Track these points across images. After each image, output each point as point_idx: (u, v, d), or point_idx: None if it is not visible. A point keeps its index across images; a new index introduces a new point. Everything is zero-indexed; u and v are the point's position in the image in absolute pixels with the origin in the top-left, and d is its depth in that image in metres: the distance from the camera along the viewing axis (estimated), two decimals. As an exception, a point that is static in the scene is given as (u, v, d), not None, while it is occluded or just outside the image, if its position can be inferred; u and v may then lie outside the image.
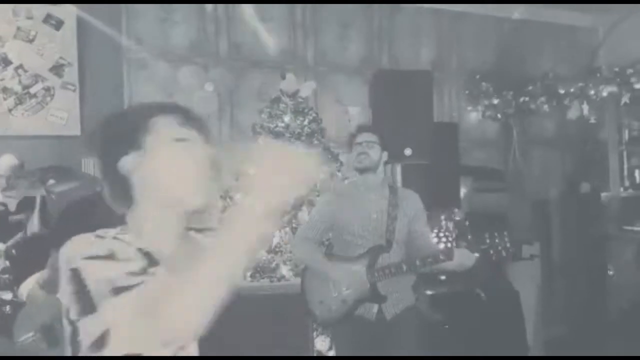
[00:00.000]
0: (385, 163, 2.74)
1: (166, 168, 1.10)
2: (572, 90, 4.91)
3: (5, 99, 3.85)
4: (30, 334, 2.24)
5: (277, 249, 3.58)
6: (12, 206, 3.19)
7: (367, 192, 2.66)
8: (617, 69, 4.89)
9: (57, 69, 3.98)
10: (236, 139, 4.08)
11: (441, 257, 2.47)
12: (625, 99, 4.98)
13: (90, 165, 3.48)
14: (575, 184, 4.98)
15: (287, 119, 3.82)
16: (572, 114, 4.97)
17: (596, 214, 4.73)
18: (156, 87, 3.80)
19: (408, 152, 4.01)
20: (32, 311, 2.33)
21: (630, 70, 4.87)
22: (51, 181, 3.27)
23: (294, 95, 3.88)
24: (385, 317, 2.56)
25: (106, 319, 1.02)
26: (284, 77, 3.84)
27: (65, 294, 1.07)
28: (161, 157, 1.10)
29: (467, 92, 4.86)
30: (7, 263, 2.97)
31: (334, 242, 2.71)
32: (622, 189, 4.86)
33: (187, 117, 1.13)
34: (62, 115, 3.96)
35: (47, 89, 3.96)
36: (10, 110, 3.87)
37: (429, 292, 3.74)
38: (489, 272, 3.93)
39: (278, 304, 3.17)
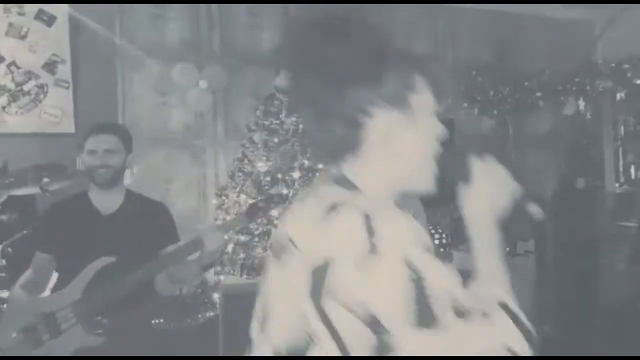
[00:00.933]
0: None
1: None
2: (568, 86, 4.90)
3: (-4, 97, 3.83)
4: (13, 335, 2.23)
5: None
6: None
7: None
8: (613, 64, 4.88)
9: (50, 66, 3.95)
10: (231, 136, 4.07)
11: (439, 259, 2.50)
12: (621, 94, 4.97)
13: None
14: (571, 180, 4.98)
15: (281, 115, 3.81)
16: (568, 110, 4.96)
17: (591, 210, 4.74)
18: (150, 85, 3.78)
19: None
20: (14, 313, 2.31)
21: (626, 66, 4.86)
22: (45, 179, 3.25)
23: (287, 91, 3.86)
24: None
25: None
26: (277, 73, 3.82)
27: None
28: None
29: (462, 88, 4.85)
30: (4, 261, 2.96)
31: None
32: (617, 185, 4.86)
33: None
34: (55, 112, 3.94)
35: (40, 87, 3.93)
36: (3, 108, 3.84)
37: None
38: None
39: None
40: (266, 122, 3.78)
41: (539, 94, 4.88)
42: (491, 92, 4.85)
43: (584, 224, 4.71)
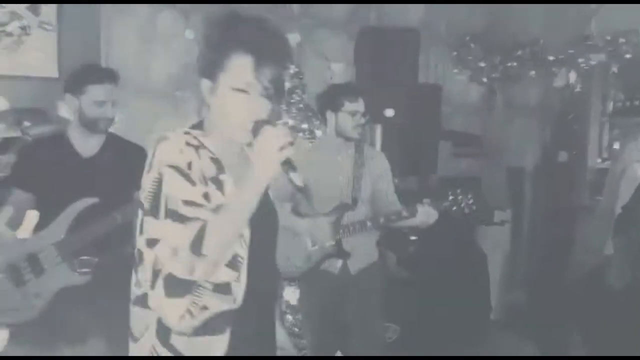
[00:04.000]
0: (364, 124, 2.75)
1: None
2: (561, 57, 4.85)
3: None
4: None
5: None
6: None
7: (334, 154, 2.69)
8: (608, 38, 4.81)
9: (33, 8, 3.85)
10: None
11: (404, 213, 2.55)
12: (614, 68, 4.93)
13: (65, 109, 3.44)
14: (554, 152, 5.01)
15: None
16: (558, 82, 4.93)
17: (571, 184, 4.78)
18: (134, 32, 3.71)
19: (389, 112, 4.00)
20: None
21: (622, 40, 4.79)
22: (26, 123, 3.24)
23: (276, 48, 3.81)
24: (349, 271, 2.65)
25: (162, 231, 1.27)
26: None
27: (144, 187, 1.33)
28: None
29: (454, 53, 4.79)
30: None
31: (300, 201, 2.76)
32: (599, 160, 4.89)
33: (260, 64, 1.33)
34: (38, 55, 3.87)
35: (24, 28, 3.84)
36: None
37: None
38: (459, 234, 4.01)
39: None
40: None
41: (530, 64, 4.84)
42: (483, 60, 4.80)
43: (563, 196, 4.77)
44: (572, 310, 3.82)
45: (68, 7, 3.76)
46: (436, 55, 4.65)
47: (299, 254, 2.64)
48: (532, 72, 4.90)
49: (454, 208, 2.57)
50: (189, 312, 1.28)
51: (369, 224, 2.61)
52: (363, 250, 2.71)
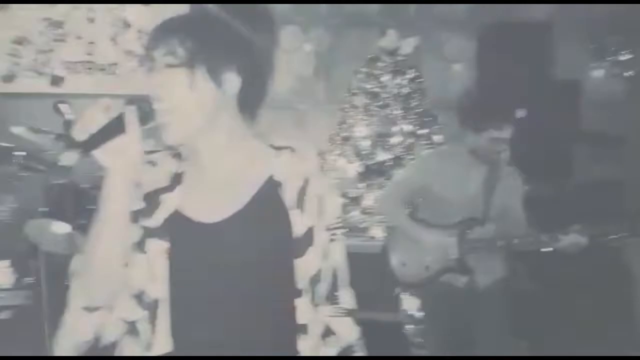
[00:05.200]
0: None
1: None
2: None
3: (129, 61, 4.11)
4: None
5: (368, 210, 3.56)
6: None
7: (465, 165, 2.55)
8: None
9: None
10: (331, 100, 4.02)
11: (543, 238, 2.35)
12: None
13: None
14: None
15: (385, 78, 3.69)
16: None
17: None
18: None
19: (521, 113, 3.72)
20: None
21: None
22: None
23: (393, 52, 3.72)
24: (477, 285, 2.50)
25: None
26: (384, 34, 3.69)
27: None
28: None
29: (592, 46, 4.35)
30: None
31: (422, 206, 2.63)
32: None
33: None
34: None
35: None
36: (133, 71, 4.12)
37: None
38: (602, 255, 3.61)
39: (364, 262, 3.18)
40: (368, 86, 3.68)
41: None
42: (624, 52, 4.30)
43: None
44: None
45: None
46: (570, 49, 4.24)
47: (416, 262, 2.54)
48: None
49: (603, 239, 2.33)
50: None
51: (499, 243, 2.44)
52: (489, 266, 2.54)
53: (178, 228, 1.08)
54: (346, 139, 3.60)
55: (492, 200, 2.52)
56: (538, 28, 3.90)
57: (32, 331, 2.62)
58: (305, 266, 1.12)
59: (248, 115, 1.13)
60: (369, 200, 3.57)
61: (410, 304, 3.31)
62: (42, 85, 3.98)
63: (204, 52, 1.04)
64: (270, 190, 1.12)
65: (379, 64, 3.71)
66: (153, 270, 1.06)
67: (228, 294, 1.08)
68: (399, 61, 3.71)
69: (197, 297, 1.08)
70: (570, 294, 3.54)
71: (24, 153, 3.22)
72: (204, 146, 1.11)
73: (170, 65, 1.06)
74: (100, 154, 1.00)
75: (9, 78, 3.94)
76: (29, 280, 2.74)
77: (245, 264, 1.09)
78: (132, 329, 1.09)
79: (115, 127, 1.00)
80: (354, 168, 3.55)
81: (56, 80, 4.02)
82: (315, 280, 1.14)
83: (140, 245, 1.08)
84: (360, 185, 3.55)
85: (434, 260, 2.52)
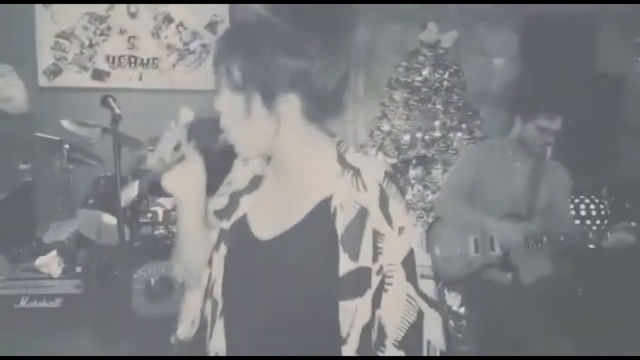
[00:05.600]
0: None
1: None
2: None
3: (169, 56, 4.17)
4: None
5: (408, 205, 3.53)
6: None
7: (514, 157, 2.52)
8: None
9: (211, 26, 4.21)
10: (371, 95, 4.00)
11: (591, 236, 2.32)
12: None
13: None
14: None
15: (425, 72, 3.65)
16: None
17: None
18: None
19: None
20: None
21: None
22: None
23: (434, 46, 3.68)
24: (521, 282, 2.48)
25: None
26: (424, 27, 3.65)
27: None
28: None
29: (638, 40, 4.23)
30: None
31: (470, 201, 2.62)
32: None
33: None
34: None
35: (204, 46, 4.21)
36: (173, 65, 4.19)
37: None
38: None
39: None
40: (408, 80, 3.65)
41: None
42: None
43: None
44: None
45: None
46: (616, 42, 4.13)
47: (458, 257, 2.52)
48: None
49: None
50: None
51: (545, 239, 2.40)
52: (534, 263, 2.50)
53: (238, 236, 1.08)
54: (387, 134, 3.58)
55: (537, 195, 2.49)
56: (582, 21, 3.80)
57: (81, 319, 2.69)
58: (350, 310, 0.96)
59: (319, 122, 1.04)
60: (408, 195, 3.55)
61: (453, 300, 3.29)
62: (86, 80, 4.06)
63: (258, 77, 0.97)
64: (324, 212, 0.99)
65: (420, 58, 3.67)
66: (216, 272, 1.10)
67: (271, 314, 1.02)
68: (439, 54, 3.66)
69: (243, 308, 1.06)
70: (616, 292, 3.47)
71: (67, 146, 3.31)
72: (277, 151, 1.06)
73: (227, 86, 1.01)
74: (165, 183, 1.04)
75: (56, 73, 4.04)
76: (78, 269, 2.81)
77: (288, 290, 1.00)
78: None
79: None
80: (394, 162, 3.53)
81: (100, 75, 4.10)
82: (366, 330, 0.97)
83: (217, 246, 1.11)
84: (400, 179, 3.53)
85: (477, 256, 2.50)
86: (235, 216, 1.10)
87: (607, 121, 3.80)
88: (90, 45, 4.07)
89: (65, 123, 3.25)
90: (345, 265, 0.96)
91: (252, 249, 1.05)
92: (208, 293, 1.10)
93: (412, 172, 3.35)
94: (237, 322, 1.05)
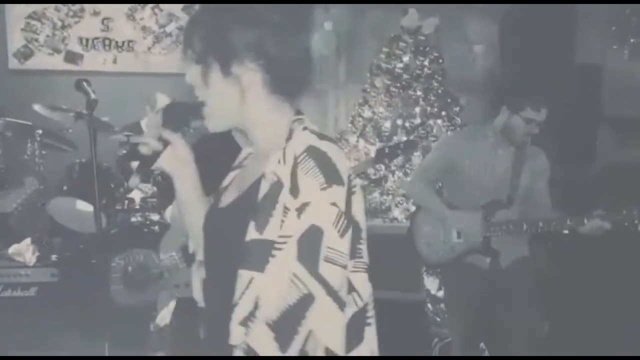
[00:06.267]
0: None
1: None
2: None
3: (144, 38, 4.07)
4: (173, 253, 2.42)
5: (389, 192, 3.54)
6: None
7: (493, 146, 2.52)
8: None
9: (188, 9, 4.11)
10: (353, 80, 3.97)
11: (568, 222, 2.35)
12: None
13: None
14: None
15: (406, 58, 3.64)
16: None
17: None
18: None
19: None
20: (174, 232, 2.48)
21: None
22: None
23: (415, 32, 3.67)
24: (500, 265, 2.50)
25: None
26: (405, 13, 3.63)
27: None
28: None
29: (613, 28, 4.28)
30: (155, 188, 3.20)
31: (446, 187, 2.62)
32: None
33: None
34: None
35: (181, 29, 4.12)
36: (149, 48, 4.09)
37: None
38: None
39: (389, 243, 3.18)
40: (389, 66, 3.64)
41: None
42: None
43: None
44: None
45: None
46: (593, 32, 4.18)
47: (441, 243, 2.53)
48: None
49: (626, 224, 2.31)
50: None
51: (525, 226, 2.43)
52: (513, 248, 2.53)
53: (211, 206, 1.18)
54: (368, 120, 3.56)
55: (518, 182, 2.51)
56: (560, 9, 3.82)
57: (57, 308, 2.63)
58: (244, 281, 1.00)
59: (283, 96, 1.06)
60: (389, 182, 3.55)
61: (432, 283, 3.32)
62: (59, 62, 3.94)
63: (215, 47, 1.02)
64: (258, 184, 1.03)
65: (400, 44, 3.66)
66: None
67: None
68: (420, 41, 3.66)
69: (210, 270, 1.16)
70: (591, 277, 3.54)
71: (40, 131, 3.22)
72: (245, 124, 1.11)
73: (193, 60, 1.06)
74: (161, 164, 1.12)
75: (27, 55, 3.91)
76: (53, 257, 2.74)
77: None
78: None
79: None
80: (374, 149, 3.52)
81: (73, 57, 3.98)
82: None
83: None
84: (380, 166, 3.53)
85: (459, 242, 2.52)
86: (220, 189, 1.19)
87: (584, 109, 3.85)
88: (63, 27, 3.94)
89: (38, 107, 3.16)
90: (250, 234, 0.98)
91: (212, 216, 1.15)
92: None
93: (400, 158, 3.33)
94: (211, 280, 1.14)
